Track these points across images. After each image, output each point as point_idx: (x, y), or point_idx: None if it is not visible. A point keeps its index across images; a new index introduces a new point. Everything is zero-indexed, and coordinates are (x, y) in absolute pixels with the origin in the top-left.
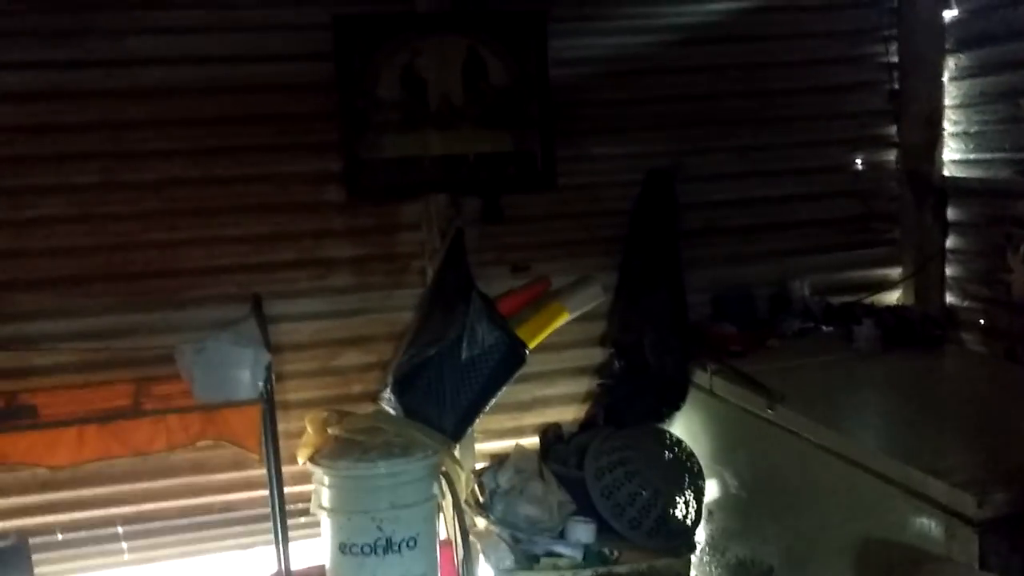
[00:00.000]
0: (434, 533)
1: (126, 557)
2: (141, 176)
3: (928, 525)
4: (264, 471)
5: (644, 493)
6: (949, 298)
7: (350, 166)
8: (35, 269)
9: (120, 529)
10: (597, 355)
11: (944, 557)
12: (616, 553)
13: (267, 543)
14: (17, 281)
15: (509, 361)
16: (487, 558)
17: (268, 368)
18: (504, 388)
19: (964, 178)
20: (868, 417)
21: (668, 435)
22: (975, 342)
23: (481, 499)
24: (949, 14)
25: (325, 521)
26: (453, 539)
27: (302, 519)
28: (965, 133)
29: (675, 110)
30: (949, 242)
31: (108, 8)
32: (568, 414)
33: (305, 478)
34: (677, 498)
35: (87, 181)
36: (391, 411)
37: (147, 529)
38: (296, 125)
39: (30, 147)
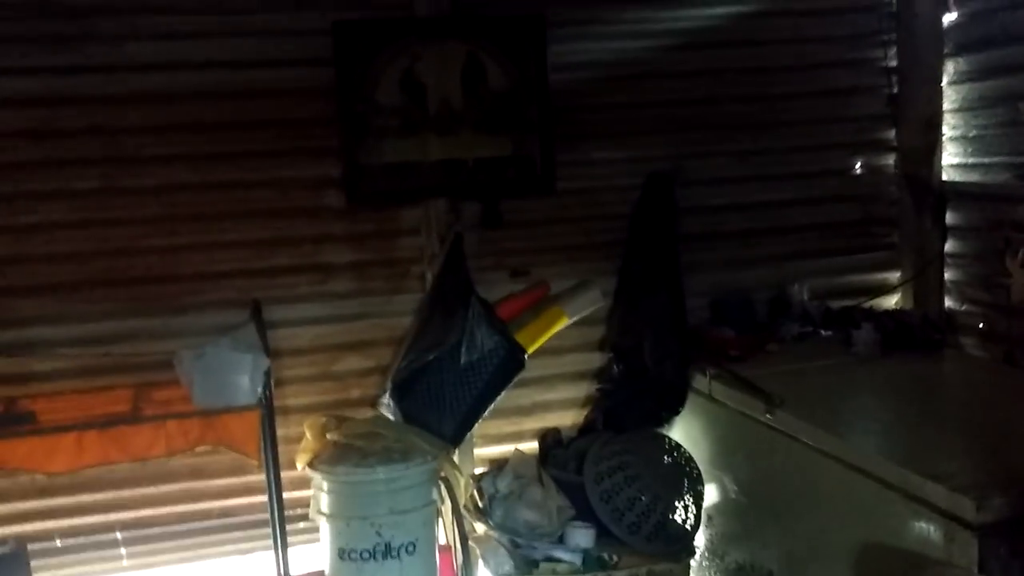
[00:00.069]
0: (433, 538)
1: (125, 563)
2: (141, 182)
3: (927, 529)
4: (263, 476)
5: (643, 498)
6: (948, 302)
7: (350, 171)
8: (35, 275)
9: (119, 535)
10: (596, 360)
11: (943, 561)
12: (615, 558)
13: (266, 548)
14: (17, 287)
15: (508, 366)
16: (486, 563)
17: (267, 373)
18: (503, 393)
19: (963, 182)
20: (867, 421)
21: (667, 440)
22: (974, 346)
23: (480, 504)
24: (948, 18)
25: (324, 527)
26: (452, 544)
27: (301, 524)
28: (964, 137)
29: (674, 114)
30: (948, 246)
31: (108, 14)
32: (567, 419)
33: (304, 483)
34: (676, 503)
35: (87, 187)
36: (390, 416)
37: (146, 535)
38: (296, 130)
39: (30, 153)
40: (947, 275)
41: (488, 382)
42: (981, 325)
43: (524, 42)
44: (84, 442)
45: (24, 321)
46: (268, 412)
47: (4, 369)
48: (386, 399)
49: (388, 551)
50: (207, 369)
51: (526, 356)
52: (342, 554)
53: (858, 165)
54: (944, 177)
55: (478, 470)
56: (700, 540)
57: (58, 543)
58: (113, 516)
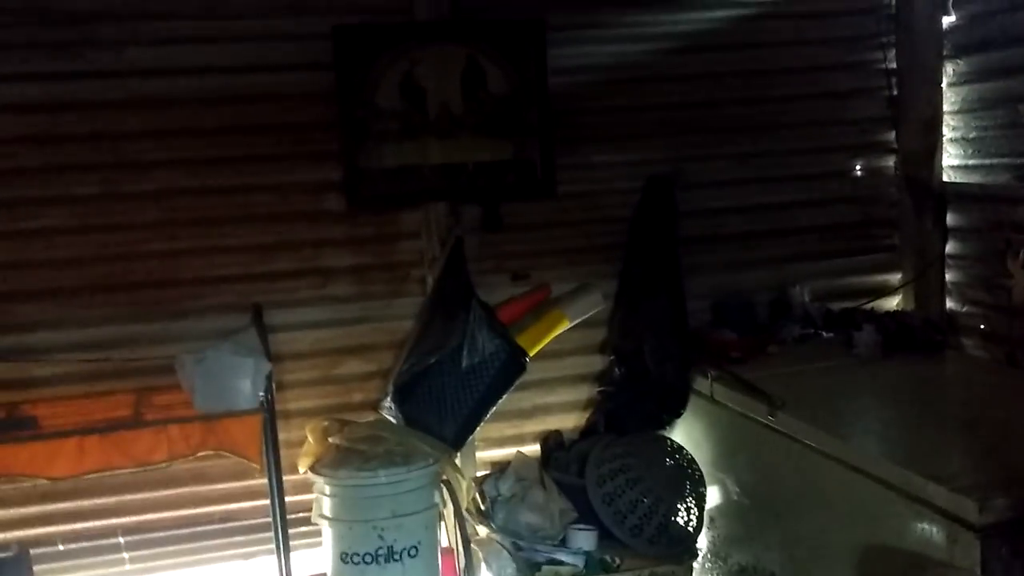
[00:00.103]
0: (435, 541)
1: (127, 567)
2: (141, 187)
3: (929, 530)
4: (265, 481)
5: (645, 500)
6: (949, 303)
7: (350, 175)
8: (35, 280)
9: (121, 539)
10: (597, 362)
11: (946, 562)
12: (618, 560)
13: (268, 553)
14: (18, 292)
15: (509, 369)
16: (489, 566)
17: (269, 378)
18: (505, 396)
19: (963, 183)
20: (869, 423)
21: (669, 442)
22: (975, 347)
23: (482, 507)
24: (947, 20)
25: (326, 530)
26: (455, 547)
27: (303, 528)
28: (964, 139)
29: (674, 117)
30: (949, 247)
31: (108, 19)
32: (569, 421)
33: (306, 487)
34: (678, 505)
35: (87, 192)
36: (392, 420)
37: (148, 539)
38: (296, 135)
39: (30, 158)
40: (948, 276)
41: (489, 385)
42: (982, 326)
43: (524, 46)
44: (86, 447)
45: (25, 326)
46: (270, 416)
47: (5, 374)
48: (387, 403)
49: (390, 555)
50: (208, 373)
51: (527, 359)
52: (344, 558)
53: (858, 167)
54: (944, 179)
55: (480, 473)
56: (702, 542)
57: (60, 548)
58: (115, 521)
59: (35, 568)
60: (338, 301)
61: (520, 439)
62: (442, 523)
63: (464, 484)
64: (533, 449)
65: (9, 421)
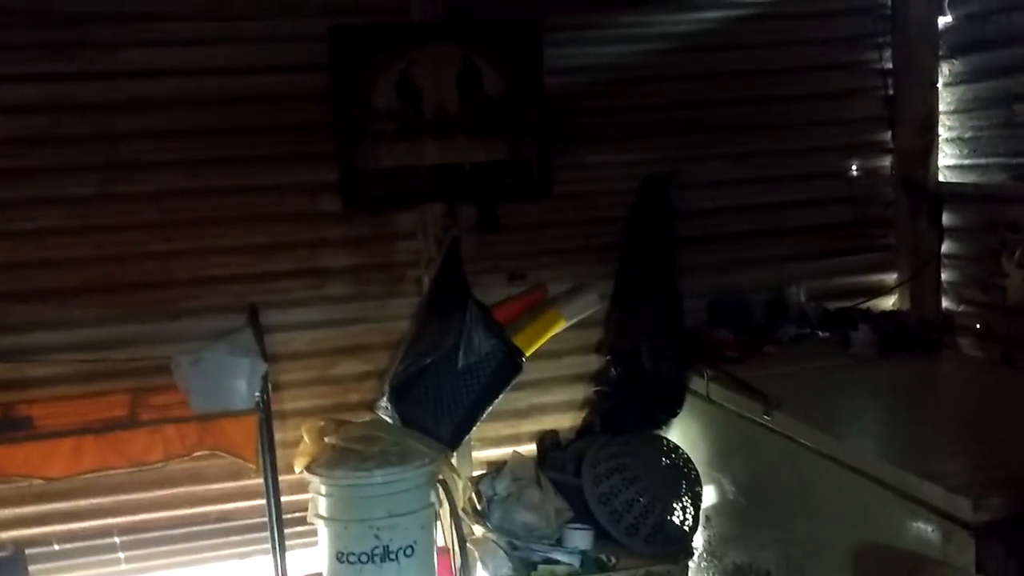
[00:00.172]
0: (431, 541)
1: (123, 567)
2: (138, 187)
3: (925, 529)
4: (261, 481)
5: (641, 499)
6: (945, 303)
7: (346, 176)
8: (31, 281)
9: (117, 539)
10: (594, 362)
11: (941, 561)
12: (613, 559)
13: (264, 552)
14: (14, 292)
15: (506, 369)
16: (484, 565)
17: (264, 378)
18: (501, 396)
19: (959, 183)
20: (865, 422)
21: (665, 441)
22: (971, 347)
23: (478, 506)
24: (943, 20)
25: (322, 530)
26: (450, 547)
27: (299, 528)
28: (960, 138)
29: (670, 118)
30: (944, 247)
31: (105, 21)
32: (565, 421)
33: (302, 487)
34: (674, 504)
35: (84, 193)
36: (388, 420)
37: (144, 539)
38: (292, 135)
39: (27, 159)
40: (944, 276)
41: (486, 385)
42: (978, 326)
43: (520, 46)
44: (81, 447)
45: (21, 327)
46: (266, 416)
47: (1, 375)
48: (384, 403)
49: (386, 554)
50: (204, 374)
51: (523, 359)
52: (340, 557)
53: (854, 167)
54: (940, 178)
55: (476, 473)
56: (698, 541)
57: (56, 548)
58: (111, 521)
59: (31, 568)
60: (334, 301)
61: (516, 439)
62: (438, 523)
63: (460, 484)
64: (529, 449)
65: (5, 421)
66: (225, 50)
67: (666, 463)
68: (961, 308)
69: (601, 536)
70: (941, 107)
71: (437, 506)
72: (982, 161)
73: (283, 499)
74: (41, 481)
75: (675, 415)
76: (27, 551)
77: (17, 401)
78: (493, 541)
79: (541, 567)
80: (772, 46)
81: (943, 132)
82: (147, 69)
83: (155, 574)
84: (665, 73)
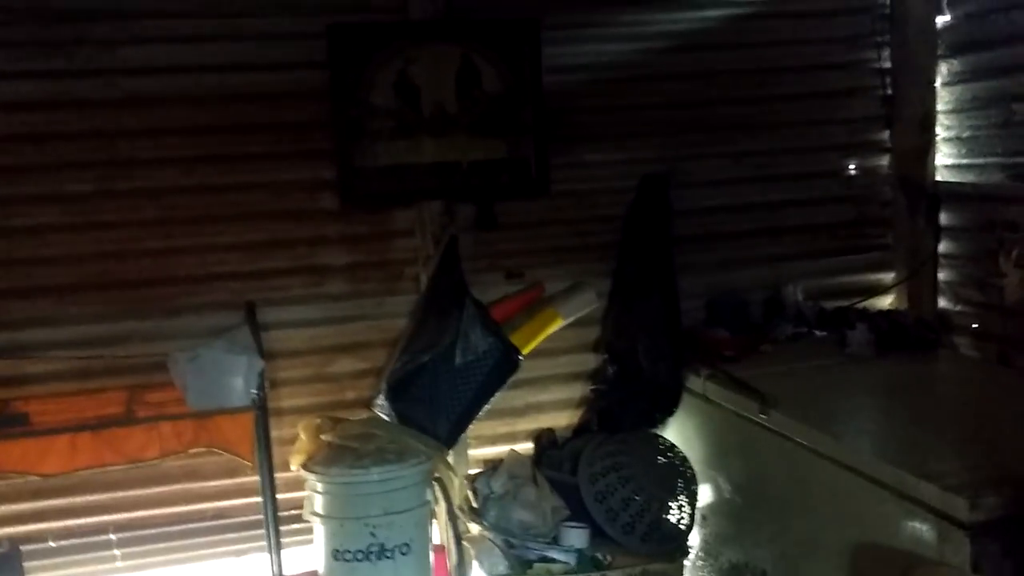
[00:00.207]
0: (427, 539)
1: (119, 564)
2: (136, 185)
3: (920, 529)
4: (257, 478)
5: (638, 498)
6: (942, 302)
7: (344, 173)
8: (29, 277)
9: (113, 536)
10: (591, 361)
11: (937, 561)
12: (609, 558)
13: (260, 550)
14: (11, 289)
15: (503, 367)
16: (480, 564)
17: (261, 375)
18: (498, 394)
19: (957, 183)
20: (861, 421)
21: (662, 440)
22: (968, 346)
23: (474, 505)
24: (942, 20)
25: (318, 527)
26: (447, 545)
27: (295, 526)
28: (958, 138)
29: (668, 116)
30: (942, 247)
31: (103, 18)
32: (562, 420)
33: (298, 485)
34: (671, 503)
35: (82, 190)
36: (385, 417)
37: (140, 536)
38: (290, 133)
39: (24, 156)
40: (941, 275)
41: (483, 383)
42: (975, 325)
43: (518, 45)
44: (77, 444)
45: (18, 323)
46: (262, 414)
47: None
48: (380, 400)
49: (382, 552)
50: (201, 371)
51: (521, 357)
52: (336, 555)
53: (852, 166)
54: (938, 178)
55: (472, 471)
56: (694, 540)
57: (52, 545)
58: (107, 518)
59: (26, 565)
60: (332, 299)
61: (513, 437)
62: (434, 521)
63: (456, 482)
64: (526, 447)
65: (1, 417)
66: (223, 47)
67: (662, 462)
68: (958, 308)
69: (597, 535)
70: (939, 106)
71: (433, 504)
72: (980, 161)
73: (279, 496)
74: (37, 477)
75: (672, 414)
76: (23, 548)
77: (14, 397)
78: (489, 539)
79: (537, 565)
80: (771, 45)
81: (941, 131)
82: (145, 66)
83: (151, 571)
84: (664, 72)
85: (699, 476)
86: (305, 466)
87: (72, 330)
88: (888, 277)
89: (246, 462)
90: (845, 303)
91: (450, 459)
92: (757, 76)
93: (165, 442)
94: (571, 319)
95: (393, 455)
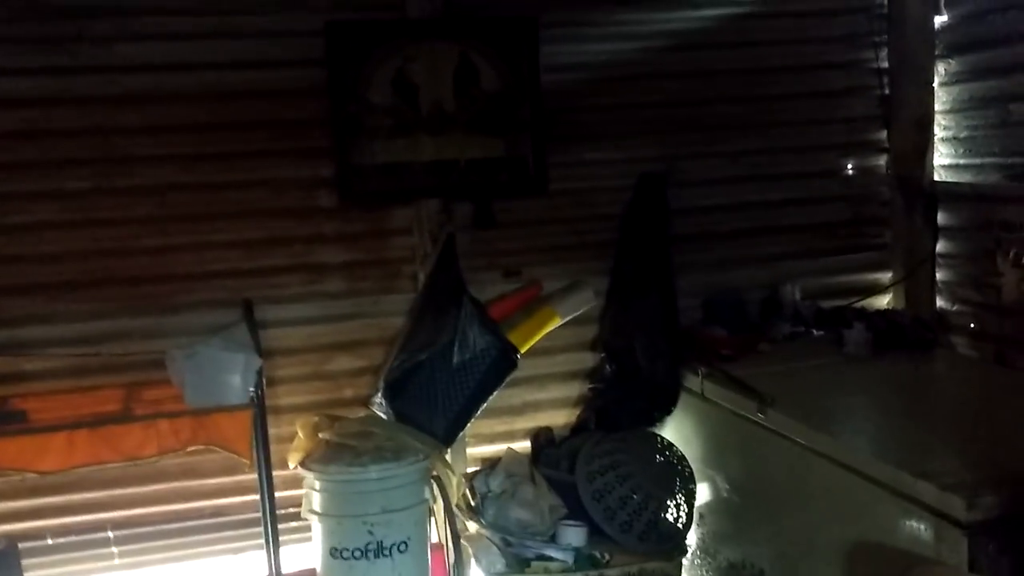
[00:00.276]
0: (425, 537)
1: (116, 562)
2: (133, 182)
3: (917, 528)
4: (255, 476)
5: (635, 497)
6: (939, 302)
7: (342, 171)
8: (26, 274)
9: (111, 534)
10: (588, 359)
11: (933, 560)
12: (607, 556)
13: (258, 547)
14: (8, 286)
15: (500, 365)
16: (478, 562)
17: (259, 373)
18: (495, 392)
19: (954, 183)
20: (858, 420)
21: (659, 439)
22: (965, 346)
23: (472, 503)
24: (939, 20)
25: (316, 525)
26: (444, 543)
27: (293, 524)
28: (955, 138)
29: (666, 115)
30: (939, 246)
31: (102, 15)
32: (559, 418)
33: (296, 482)
34: (668, 501)
35: (79, 187)
36: (382, 416)
37: (138, 534)
38: (288, 131)
39: (22, 153)
40: (938, 275)
41: (480, 382)
42: (972, 325)
43: (517, 43)
44: (75, 441)
45: (15, 321)
46: (260, 411)
47: None
48: (378, 398)
49: (380, 550)
50: (199, 368)
51: (518, 356)
52: (334, 553)
53: (850, 166)
54: (935, 178)
55: (470, 469)
56: (692, 539)
57: (49, 542)
58: (104, 515)
59: (24, 562)
60: (329, 297)
61: (511, 435)
62: (432, 519)
63: (454, 480)
64: (524, 445)
65: None
66: (222, 45)
67: (660, 460)
68: (955, 307)
69: (595, 533)
70: (937, 106)
71: (431, 502)
72: (977, 161)
73: (277, 494)
74: (34, 475)
75: (669, 413)
76: (20, 545)
77: (11, 395)
78: (487, 537)
79: (535, 564)
80: (768, 44)
81: (939, 131)
82: (144, 63)
83: (149, 569)
84: (662, 71)
85: (697, 475)
86: (303, 464)
87: (70, 327)
88: (886, 277)
89: (244, 460)
90: (843, 302)
91: (448, 457)
92: (755, 75)
93: (163, 440)
94: (569, 318)
95: (391, 453)
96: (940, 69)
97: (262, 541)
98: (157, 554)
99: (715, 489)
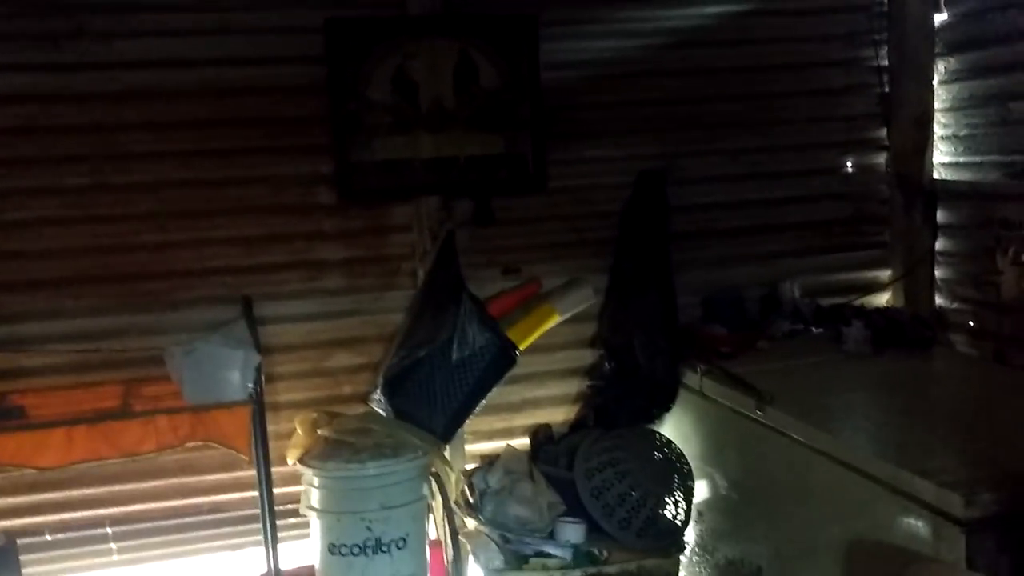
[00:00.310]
0: (424, 533)
1: (115, 558)
2: (132, 178)
3: (916, 525)
4: (254, 472)
5: (634, 494)
6: (938, 300)
7: (341, 168)
8: (25, 271)
9: (109, 530)
10: (587, 357)
11: (932, 557)
12: (605, 553)
13: (256, 544)
14: (7, 282)
15: (499, 362)
16: (476, 558)
17: (258, 369)
18: (494, 389)
19: (953, 181)
20: (857, 418)
21: (658, 436)
22: (964, 344)
23: (471, 500)
24: (939, 18)
25: (314, 522)
26: (443, 539)
27: (291, 520)
28: (955, 136)
29: (666, 113)
30: (938, 244)
31: (100, 11)
32: (558, 415)
33: (295, 479)
34: (667, 499)
35: (78, 183)
36: (381, 412)
37: (136, 530)
38: (287, 128)
39: (21, 149)
40: (937, 273)
41: (479, 378)
42: (971, 323)
43: (516, 40)
44: (74, 437)
45: (14, 317)
46: (259, 408)
47: None
48: (377, 395)
49: (378, 546)
50: (198, 365)
51: (517, 353)
52: (332, 549)
53: (849, 164)
54: (935, 176)
55: (469, 466)
56: (690, 536)
57: (48, 538)
58: (103, 511)
59: (22, 558)
60: (328, 294)
61: (509, 432)
62: (430, 515)
63: (453, 477)
64: (522, 442)
65: None
66: (222, 41)
67: (659, 458)
68: (955, 305)
69: (593, 530)
70: (936, 104)
71: (430, 499)
72: (977, 159)
73: (275, 491)
74: (33, 471)
75: (668, 410)
76: (19, 541)
77: (10, 390)
78: (485, 534)
79: (533, 560)
80: (769, 42)
81: (938, 129)
82: (142, 59)
83: (147, 565)
84: (661, 68)
85: (695, 472)
86: (302, 460)
87: (68, 323)
88: (885, 274)
89: (243, 456)
90: (842, 300)
91: (447, 454)
92: (755, 73)
93: (161, 436)
94: (568, 315)
95: (390, 450)
96: (940, 67)
97: (261, 537)
98: (155, 550)
99: (713, 486)
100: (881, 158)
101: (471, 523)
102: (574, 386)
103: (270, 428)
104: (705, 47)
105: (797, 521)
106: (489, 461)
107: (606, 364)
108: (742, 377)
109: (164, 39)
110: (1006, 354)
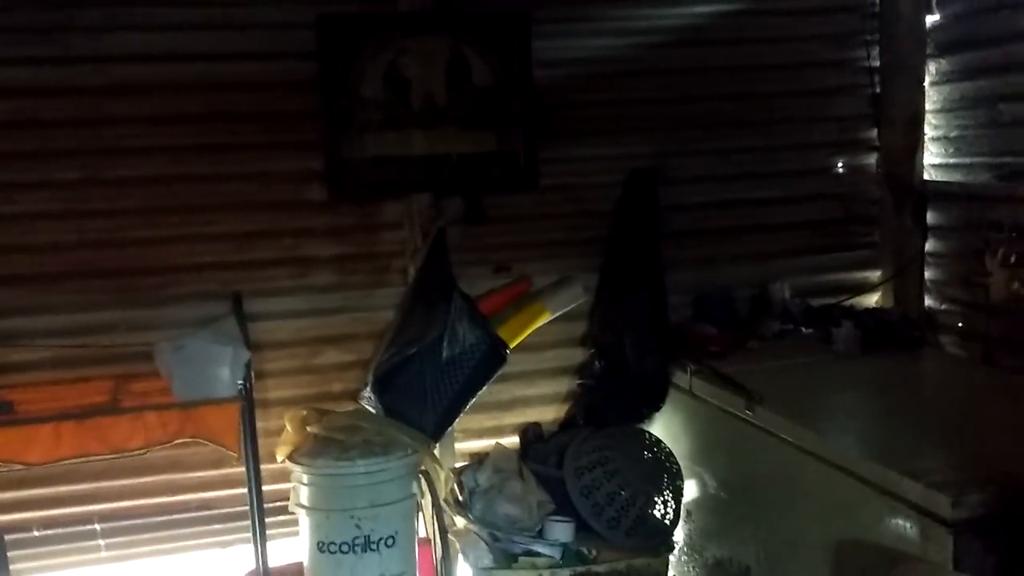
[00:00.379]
0: (413, 532)
1: (103, 554)
2: (122, 173)
3: (903, 526)
4: (243, 469)
5: (623, 493)
6: (928, 301)
7: (332, 165)
8: (14, 265)
9: (97, 526)
10: (578, 355)
11: (919, 557)
12: (594, 552)
13: (245, 541)
14: None
15: (490, 360)
16: (465, 557)
17: (247, 366)
18: (485, 387)
19: (944, 182)
20: (846, 418)
21: (648, 435)
22: (953, 345)
23: (460, 498)
24: (931, 19)
25: (303, 519)
26: (432, 538)
27: (280, 517)
28: (945, 137)
29: (658, 112)
30: (928, 245)
31: (91, 4)
32: (548, 414)
33: (284, 476)
34: (656, 498)
35: (68, 177)
36: (371, 410)
37: (125, 526)
38: (279, 123)
39: (9, 143)
40: (927, 274)
41: (469, 376)
42: (960, 324)
43: (509, 38)
44: (62, 433)
45: (2, 312)
46: (248, 405)
47: None
48: (367, 393)
49: (368, 544)
50: (187, 361)
51: (508, 351)
52: (321, 547)
53: (840, 164)
54: (925, 177)
55: (458, 464)
56: (679, 535)
57: (36, 534)
58: (91, 507)
59: (10, 554)
60: (319, 290)
61: (499, 431)
62: (420, 513)
63: (442, 475)
64: (512, 441)
65: None
66: (213, 36)
67: (648, 457)
68: (944, 306)
69: (582, 529)
70: (927, 106)
71: (419, 497)
72: (967, 160)
73: (265, 488)
74: (21, 466)
75: (658, 409)
76: (6, 537)
77: None
78: (475, 532)
79: (522, 559)
80: (760, 42)
81: (929, 130)
82: (133, 54)
83: (135, 561)
84: (653, 67)
85: (684, 472)
86: (291, 458)
87: (57, 319)
88: (874, 275)
89: (232, 453)
90: (831, 300)
91: (436, 452)
92: (746, 73)
93: (150, 432)
94: (558, 313)
95: (379, 447)
96: (931, 68)
97: (249, 535)
98: (144, 547)
99: (702, 486)
100: (872, 159)
101: (460, 521)
102: (564, 385)
103: (259, 425)
104: (697, 46)
105: (785, 521)
106: (479, 459)
107: (596, 363)
108: (732, 377)
109: (155, 34)
110: (994, 355)
